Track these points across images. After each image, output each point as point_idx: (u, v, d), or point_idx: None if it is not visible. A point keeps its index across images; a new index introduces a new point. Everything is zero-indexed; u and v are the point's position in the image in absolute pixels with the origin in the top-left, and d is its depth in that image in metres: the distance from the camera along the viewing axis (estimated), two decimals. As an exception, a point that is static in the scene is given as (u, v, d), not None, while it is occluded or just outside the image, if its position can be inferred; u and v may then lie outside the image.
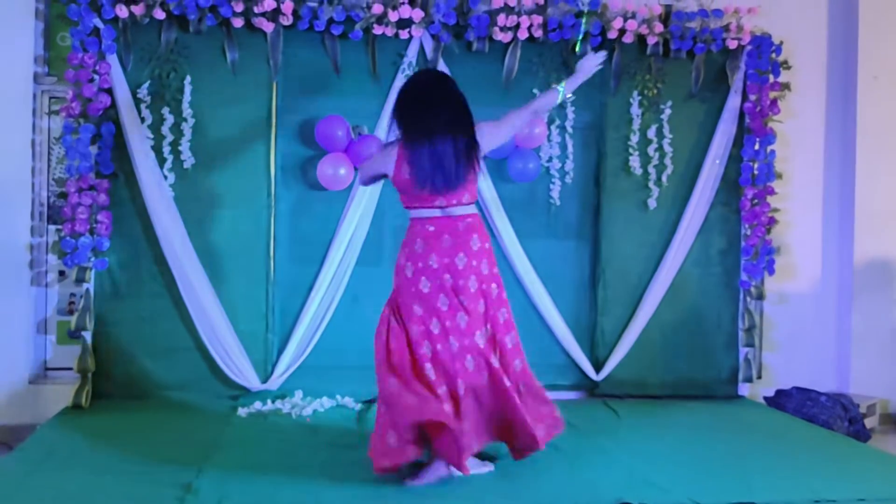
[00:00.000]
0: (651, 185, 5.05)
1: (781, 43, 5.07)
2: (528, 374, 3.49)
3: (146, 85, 4.59)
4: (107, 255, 4.54)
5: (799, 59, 5.23)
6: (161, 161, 4.61)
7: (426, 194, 3.37)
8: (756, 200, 5.05)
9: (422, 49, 4.82)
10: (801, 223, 5.36)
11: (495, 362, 3.36)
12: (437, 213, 3.41)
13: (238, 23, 4.58)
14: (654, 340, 5.08)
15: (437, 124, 3.35)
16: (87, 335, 4.49)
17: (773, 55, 5.06)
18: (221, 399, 4.64)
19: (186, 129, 4.62)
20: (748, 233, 5.09)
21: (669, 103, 5.05)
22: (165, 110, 4.61)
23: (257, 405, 4.48)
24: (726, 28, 5.00)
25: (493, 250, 3.51)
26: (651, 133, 5.05)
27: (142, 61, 4.60)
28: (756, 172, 5.06)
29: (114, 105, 4.52)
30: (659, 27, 4.89)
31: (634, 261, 5.07)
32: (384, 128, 4.77)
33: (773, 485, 3.40)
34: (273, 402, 4.55)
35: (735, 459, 3.77)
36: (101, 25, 4.46)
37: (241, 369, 4.67)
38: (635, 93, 5.04)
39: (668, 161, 5.06)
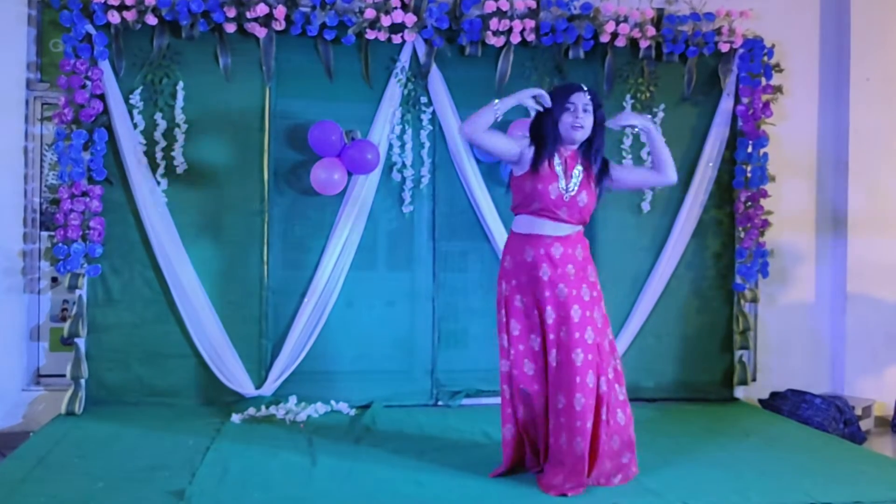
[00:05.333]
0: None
1: (773, 46, 5.09)
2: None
3: (138, 90, 4.59)
4: (99, 261, 4.53)
5: (791, 61, 5.24)
6: (154, 167, 4.60)
7: None
8: (749, 203, 5.06)
9: (415, 53, 4.83)
10: (795, 226, 5.37)
11: None
12: None
13: (230, 28, 4.57)
14: (648, 344, 5.08)
15: None
16: (80, 342, 4.47)
17: (766, 58, 5.07)
18: (215, 405, 4.62)
19: (179, 134, 4.62)
20: (742, 235, 5.09)
21: (662, 106, 5.06)
22: (158, 116, 4.60)
23: (251, 411, 4.47)
24: (718, 31, 5.01)
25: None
26: (644, 136, 5.04)
27: (134, 67, 4.60)
28: (749, 175, 5.07)
29: (106, 111, 4.51)
30: (651, 31, 4.89)
31: (628, 264, 5.07)
32: (377, 132, 4.77)
33: (768, 488, 3.40)
34: (267, 407, 4.53)
35: (730, 462, 3.77)
36: (93, 31, 4.46)
37: (235, 375, 4.66)
38: (628, 96, 5.04)
39: (661, 164, 5.06)
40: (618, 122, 3.53)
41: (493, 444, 3.97)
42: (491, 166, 4.88)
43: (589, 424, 3.25)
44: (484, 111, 3.31)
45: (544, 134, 3.37)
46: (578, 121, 3.34)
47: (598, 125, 3.42)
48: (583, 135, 3.37)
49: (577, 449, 3.23)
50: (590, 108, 3.37)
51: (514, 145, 3.41)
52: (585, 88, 3.40)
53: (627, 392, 4.96)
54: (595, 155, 3.47)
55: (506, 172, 4.79)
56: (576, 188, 3.37)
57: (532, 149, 3.40)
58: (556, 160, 3.37)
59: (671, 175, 3.60)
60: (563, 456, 3.28)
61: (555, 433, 3.31)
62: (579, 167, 3.41)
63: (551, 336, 3.34)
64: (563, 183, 3.35)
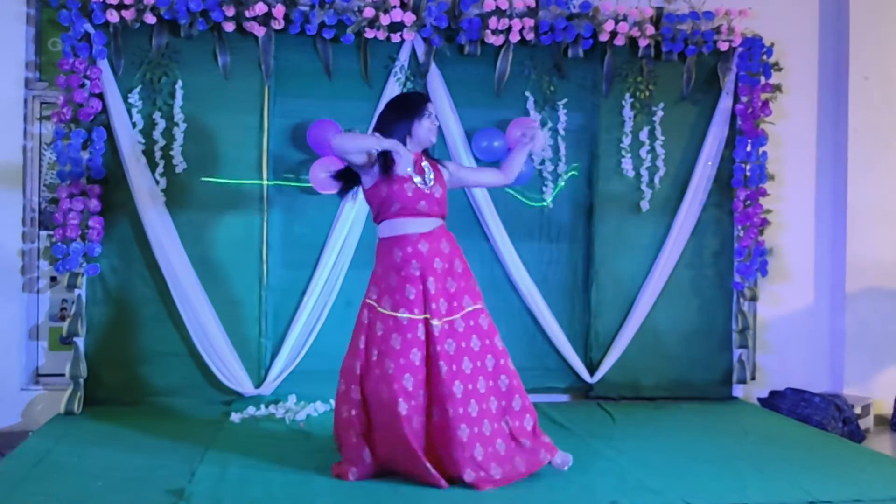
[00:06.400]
0: (643, 187, 5.05)
1: (772, 44, 5.09)
2: None
3: (137, 89, 4.59)
4: (98, 260, 4.53)
5: (790, 60, 5.24)
6: (153, 166, 4.60)
7: None
8: (748, 202, 5.06)
9: (413, 53, 4.82)
10: (794, 224, 5.37)
11: None
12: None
13: (229, 27, 4.57)
14: (647, 342, 5.08)
15: None
16: (79, 341, 4.47)
17: (765, 57, 5.07)
18: (214, 404, 4.62)
19: (178, 133, 4.61)
20: (741, 234, 5.09)
21: (661, 105, 5.06)
22: (157, 115, 4.60)
23: (250, 410, 4.47)
24: (717, 30, 5.01)
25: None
26: (643, 135, 5.05)
27: (133, 66, 4.59)
28: (748, 174, 5.07)
29: (105, 110, 4.51)
30: (650, 29, 4.89)
31: (627, 263, 5.07)
32: (376, 131, 4.77)
33: (767, 486, 3.40)
34: (266, 407, 4.53)
35: (729, 461, 3.77)
36: (91, 30, 4.45)
37: (234, 374, 4.66)
38: (627, 95, 5.04)
39: (660, 163, 5.06)
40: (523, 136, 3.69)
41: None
42: (490, 165, 4.87)
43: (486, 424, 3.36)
44: (366, 139, 3.41)
45: (398, 138, 3.45)
46: (435, 126, 3.56)
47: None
48: (435, 138, 3.59)
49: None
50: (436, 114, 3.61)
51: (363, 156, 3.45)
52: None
53: (626, 390, 5.04)
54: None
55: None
56: (431, 181, 3.49)
57: (379, 158, 3.43)
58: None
59: (512, 177, 3.80)
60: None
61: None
62: (426, 163, 3.54)
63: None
64: (416, 179, 3.44)
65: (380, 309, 3.43)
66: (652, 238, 5.09)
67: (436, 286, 3.41)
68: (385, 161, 3.41)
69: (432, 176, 3.51)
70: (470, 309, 3.49)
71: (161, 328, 4.64)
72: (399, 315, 3.38)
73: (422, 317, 3.38)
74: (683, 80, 5.07)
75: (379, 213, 3.50)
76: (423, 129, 3.51)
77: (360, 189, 3.58)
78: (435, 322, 3.37)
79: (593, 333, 5.06)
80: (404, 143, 3.47)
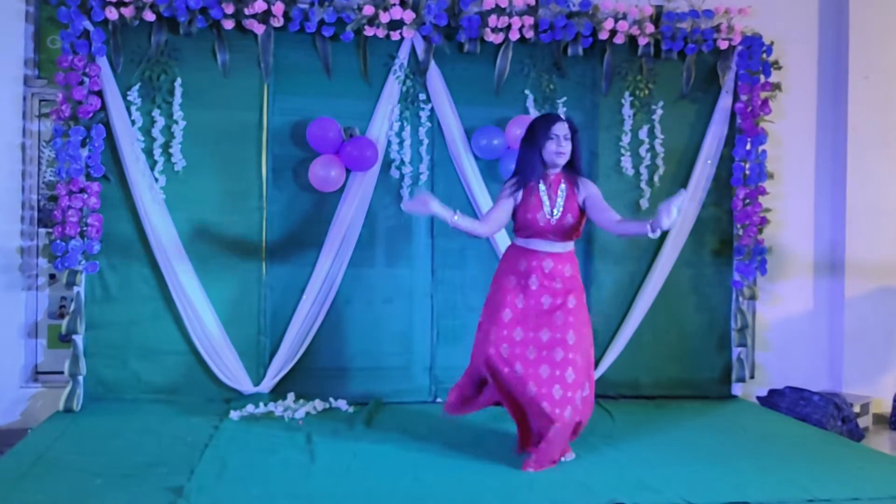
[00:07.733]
0: (643, 185, 5.05)
1: (772, 43, 5.09)
2: None
3: (136, 87, 4.58)
4: (97, 258, 4.53)
5: (790, 59, 5.24)
6: (152, 163, 4.59)
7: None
8: (748, 200, 5.06)
9: (413, 50, 4.82)
10: (793, 223, 5.37)
11: None
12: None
13: (228, 25, 4.57)
14: (646, 341, 5.08)
15: None
16: (78, 339, 4.47)
17: (764, 55, 5.07)
18: (213, 402, 4.61)
19: (177, 131, 4.61)
20: (740, 233, 5.09)
21: (661, 104, 5.06)
22: (156, 112, 4.60)
23: (249, 408, 4.47)
24: (717, 28, 5.01)
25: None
26: (643, 133, 5.05)
27: (132, 63, 4.59)
28: (748, 172, 5.07)
29: (104, 108, 4.50)
30: (650, 28, 4.89)
31: (626, 261, 5.07)
32: (376, 129, 4.77)
33: (766, 484, 3.40)
34: (265, 404, 4.53)
35: (728, 459, 3.78)
36: (90, 28, 4.45)
37: (233, 372, 4.66)
38: (627, 93, 5.04)
39: (659, 161, 5.06)
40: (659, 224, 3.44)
41: (491, 440, 3.98)
42: (489, 163, 4.88)
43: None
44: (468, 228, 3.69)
45: (531, 165, 3.72)
46: (561, 148, 3.69)
47: (576, 148, 3.76)
48: (564, 160, 3.73)
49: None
50: (569, 135, 3.72)
51: (507, 206, 3.75)
52: (564, 118, 3.75)
53: (626, 389, 5.05)
54: (577, 168, 3.80)
55: (504, 170, 4.79)
56: (559, 211, 3.70)
57: (520, 189, 3.75)
58: (542, 187, 3.73)
59: (620, 234, 3.90)
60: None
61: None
62: (563, 186, 3.75)
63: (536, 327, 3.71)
64: (547, 208, 3.70)
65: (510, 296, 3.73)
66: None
67: (550, 303, 3.69)
68: (523, 184, 3.73)
69: (562, 203, 3.70)
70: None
71: (160, 326, 4.64)
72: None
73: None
74: (683, 78, 5.07)
75: (517, 230, 3.81)
76: (549, 153, 3.69)
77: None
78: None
79: (593, 332, 5.05)
80: (541, 169, 3.71)
